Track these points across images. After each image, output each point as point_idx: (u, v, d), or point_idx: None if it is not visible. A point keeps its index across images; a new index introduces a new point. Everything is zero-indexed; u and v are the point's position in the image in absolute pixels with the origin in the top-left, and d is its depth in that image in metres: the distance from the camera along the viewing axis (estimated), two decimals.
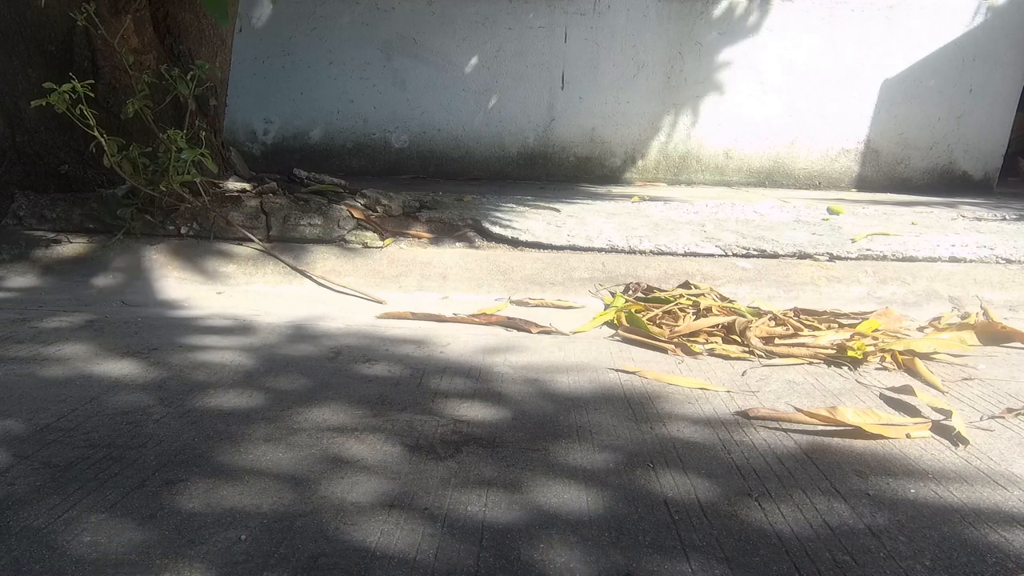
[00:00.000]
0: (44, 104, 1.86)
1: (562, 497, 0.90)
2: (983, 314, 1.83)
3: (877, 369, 1.44)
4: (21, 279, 2.00)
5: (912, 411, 1.21)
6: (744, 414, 1.18)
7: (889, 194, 3.95)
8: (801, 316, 1.73)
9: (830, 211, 2.85)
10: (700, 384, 1.32)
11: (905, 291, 2.01)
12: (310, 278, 2.04)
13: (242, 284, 2.03)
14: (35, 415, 1.12)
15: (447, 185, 3.66)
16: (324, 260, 2.12)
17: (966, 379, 1.39)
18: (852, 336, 1.57)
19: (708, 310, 1.74)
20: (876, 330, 1.62)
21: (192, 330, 1.61)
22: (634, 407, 1.21)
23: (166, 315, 1.74)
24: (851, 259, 2.16)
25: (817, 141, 4.16)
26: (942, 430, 1.13)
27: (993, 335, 1.66)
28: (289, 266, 2.07)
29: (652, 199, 3.14)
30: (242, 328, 1.62)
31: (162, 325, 1.64)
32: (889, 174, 4.19)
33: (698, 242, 2.23)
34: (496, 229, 2.32)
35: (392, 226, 2.36)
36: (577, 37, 4.04)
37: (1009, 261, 2.15)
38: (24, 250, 2.09)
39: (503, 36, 4.04)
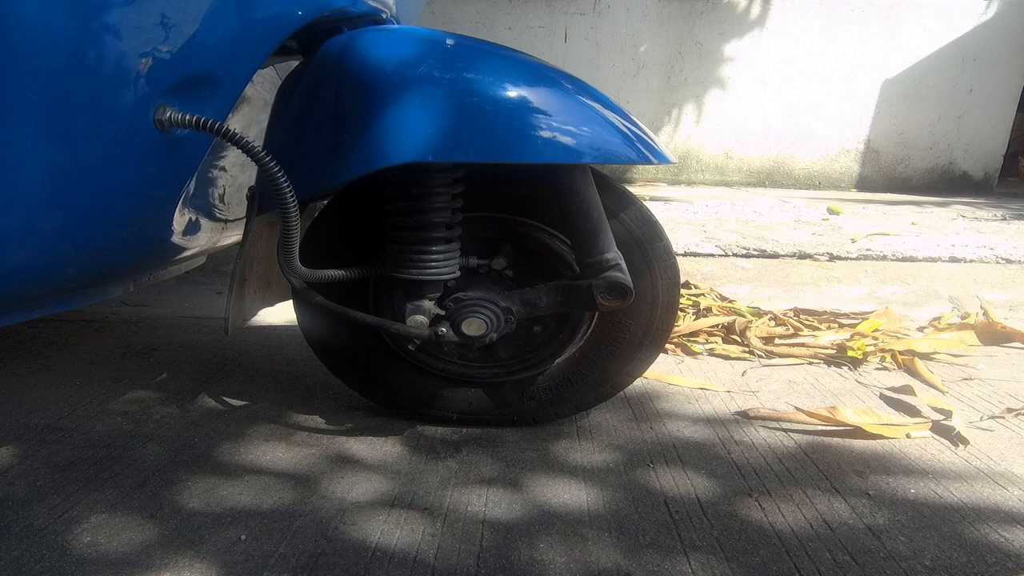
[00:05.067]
0: None
1: (562, 497, 0.90)
2: (983, 314, 1.83)
3: (877, 369, 1.44)
4: None
5: (912, 411, 1.21)
6: (744, 414, 1.18)
7: (889, 194, 3.95)
8: (801, 316, 1.73)
9: (830, 211, 2.85)
10: (700, 384, 1.32)
11: (905, 291, 2.01)
12: None
13: None
14: (35, 415, 1.12)
15: None
16: None
17: (966, 379, 1.39)
18: (852, 336, 1.57)
19: (708, 310, 1.74)
20: (876, 330, 1.62)
21: (192, 329, 1.61)
22: (634, 407, 1.21)
23: (166, 315, 1.74)
24: (851, 259, 2.16)
25: (817, 141, 4.16)
26: (942, 430, 1.13)
27: (993, 335, 1.66)
28: None
29: (652, 199, 3.14)
30: (244, 328, 1.62)
31: (163, 325, 1.64)
32: (889, 174, 4.19)
33: (698, 242, 2.23)
34: None
35: None
36: (577, 37, 4.04)
37: (1009, 261, 2.15)
38: None
39: (503, 36, 4.04)
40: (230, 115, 0.88)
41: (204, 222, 1.01)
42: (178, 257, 1.02)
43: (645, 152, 0.87)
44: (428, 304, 0.95)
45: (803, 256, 2.17)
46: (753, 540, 0.81)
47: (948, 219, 2.75)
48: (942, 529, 0.84)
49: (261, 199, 0.92)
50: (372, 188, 0.99)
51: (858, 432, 1.11)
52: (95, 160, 0.71)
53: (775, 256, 2.17)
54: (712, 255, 2.17)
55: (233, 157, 1.07)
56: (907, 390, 1.29)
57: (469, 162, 0.81)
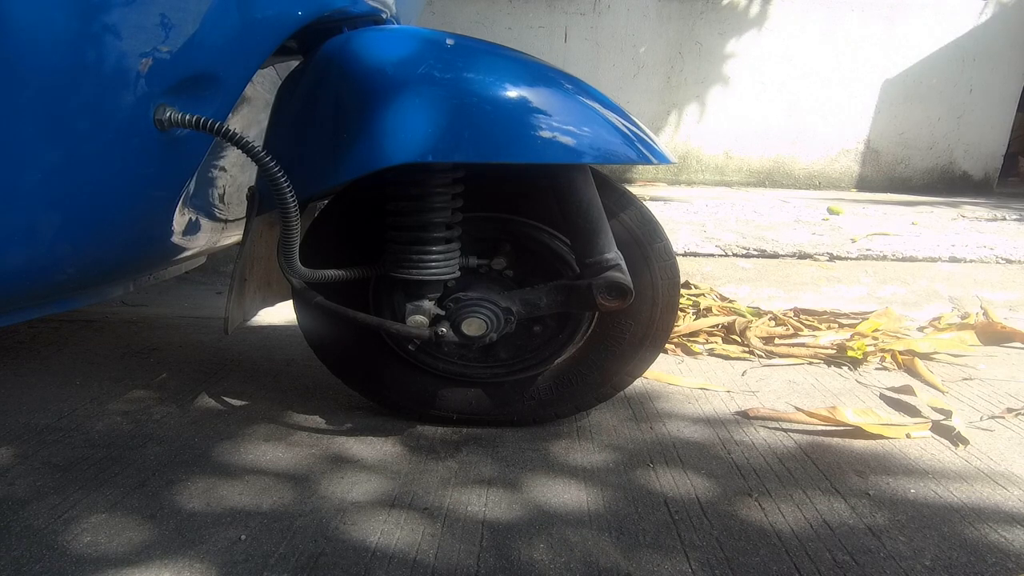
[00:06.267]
0: None
1: (562, 497, 0.90)
2: (983, 314, 1.83)
3: (877, 369, 1.44)
4: None
5: (912, 411, 1.21)
6: (744, 414, 1.18)
7: (889, 194, 3.95)
8: (801, 316, 1.73)
9: (830, 211, 2.85)
10: (700, 384, 1.32)
11: (905, 291, 2.01)
12: None
13: None
14: (35, 415, 1.12)
15: None
16: None
17: (966, 379, 1.39)
18: (852, 336, 1.57)
19: (708, 310, 1.74)
20: (876, 330, 1.62)
21: (192, 329, 1.61)
22: (634, 407, 1.21)
23: (166, 315, 1.74)
24: (851, 259, 2.16)
25: (817, 141, 4.16)
26: (942, 430, 1.13)
27: (993, 335, 1.66)
28: None
29: (652, 199, 3.14)
30: (244, 328, 1.62)
31: (162, 325, 1.64)
32: (889, 174, 4.19)
33: (698, 242, 2.23)
34: None
35: None
36: (577, 37, 4.04)
37: (1009, 261, 2.15)
38: None
39: (503, 36, 4.04)
40: (230, 115, 0.88)
41: (204, 222, 1.01)
42: (178, 257, 1.03)
43: (645, 152, 0.87)
44: (428, 304, 0.95)
45: (803, 256, 2.17)
46: (753, 540, 0.81)
47: (948, 219, 2.75)
48: (942, 529, 0.84)
49: (261, 199, 0.92)
50: (372, 188, 0.99)
51: (858, 432, 1.11)
52: (95, 160, 0.71)
53: (775, 256, 2.17)
54: (712, 255, 2.17)
55: (233, 157, 1.07)
56: (907, 390, 1.29)
57: (469, 162, 0.81)
